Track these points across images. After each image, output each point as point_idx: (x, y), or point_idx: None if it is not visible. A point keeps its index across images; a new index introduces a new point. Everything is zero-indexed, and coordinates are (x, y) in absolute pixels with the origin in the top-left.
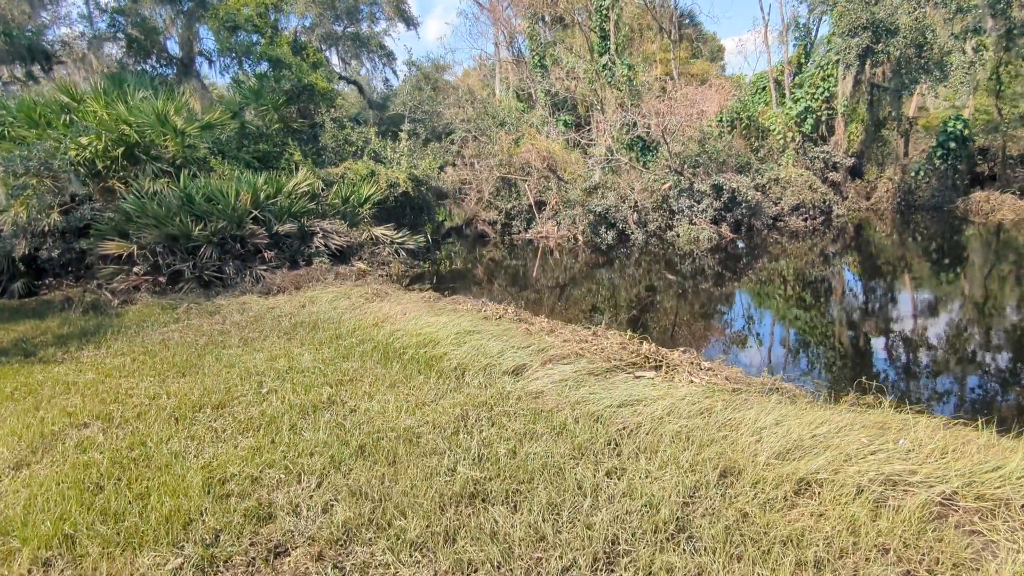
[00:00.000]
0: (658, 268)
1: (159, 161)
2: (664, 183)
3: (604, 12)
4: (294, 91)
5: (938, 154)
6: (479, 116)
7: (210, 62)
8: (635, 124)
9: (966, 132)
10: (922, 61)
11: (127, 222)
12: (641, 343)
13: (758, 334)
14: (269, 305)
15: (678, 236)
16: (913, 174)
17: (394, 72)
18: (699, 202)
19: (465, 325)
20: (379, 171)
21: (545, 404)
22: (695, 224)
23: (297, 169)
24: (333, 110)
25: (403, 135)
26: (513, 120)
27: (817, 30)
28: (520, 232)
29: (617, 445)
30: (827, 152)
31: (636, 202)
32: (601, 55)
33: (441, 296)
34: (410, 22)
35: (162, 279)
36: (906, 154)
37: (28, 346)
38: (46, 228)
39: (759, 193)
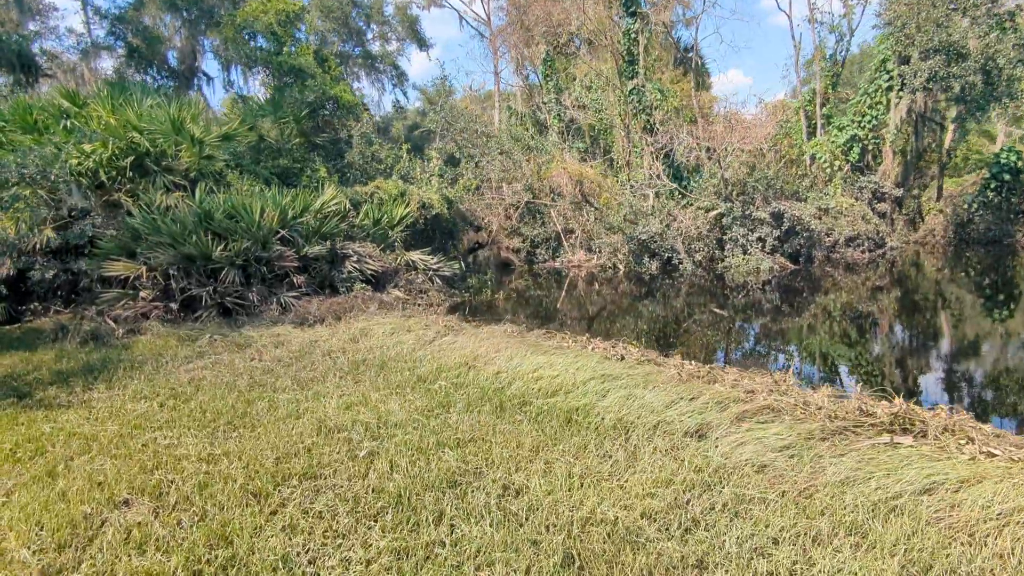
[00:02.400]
0: (729, 299)
1: (171, 173)
2: (711, 210)
3: (632, 36)
4: (317, 103)
5: (992, 186)
6: (501, 139)
7: (208, 78)
8: (670, 150)
9: (1020, 164)
10: (990, 88)
11: (134, 240)
12: (857, 398)
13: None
14: (310, 338)
15: (728, 267)
16: (966, 207)
17: (404, 94)
18: (752, 231)
19: (590, 367)
20: (411, 191)
21: (788, 484)
22: (750, 254)
23: (321, 187)
24: (358, 124)
25: (434, 153)
26: (538, 144)
27: (845, 56)
28: (545, 261)
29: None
30: (875, 182)
31: (684, 230)
32: (629, 79)
33: (523, 331)
34: (423, 44)
35: (173, 305)
36: (940, 187)
37: (21, 385)
38: (37, 245)
39: (820, 222)
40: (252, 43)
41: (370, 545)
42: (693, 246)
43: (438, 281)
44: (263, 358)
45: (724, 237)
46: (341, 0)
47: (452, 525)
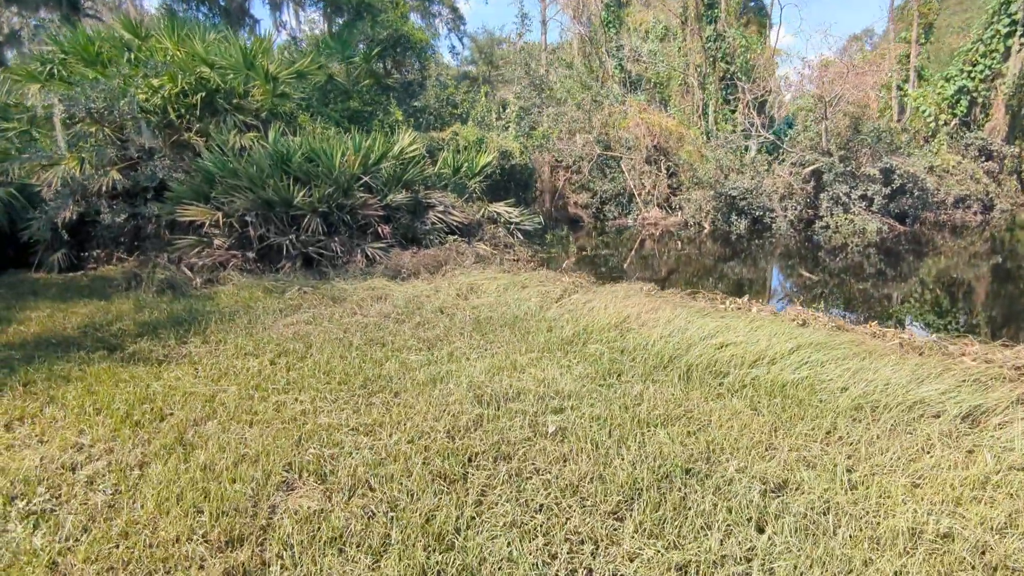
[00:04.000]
0: (836, 260)
1: (243, 112)
2: (808, 165)
3: None
4: (388, 41)
5: None
6: (571, 89)
7: (254, 20)
8: (764, 100)
9: None
10: None
11: (208, 184)
12: None
13: None
14: (410, 292)
15: (827, 227)
16: None
17: (460, 40)
18: (855, 188)
19: (784, 333)
20: (489, 138)
21: None
22: (853, 213)
23: (393, 131)
24: (434, 66)
25: (512, 99)
26: (608, 94)
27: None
28: (616, 218)
29: None
30: (983, 139)
31: (778, 187)
32: (709, 23)
33: (656, 289)
34: None
35: (250, 254)
36: None
37: (107, 336)
38: (103, 188)
39: (935, 179)
40: None
41: (637, 555)
42: (785, 203)
43: (519, 235)
44: (368, 313)
45: (821, 195)
46: None
47: (728, 530)
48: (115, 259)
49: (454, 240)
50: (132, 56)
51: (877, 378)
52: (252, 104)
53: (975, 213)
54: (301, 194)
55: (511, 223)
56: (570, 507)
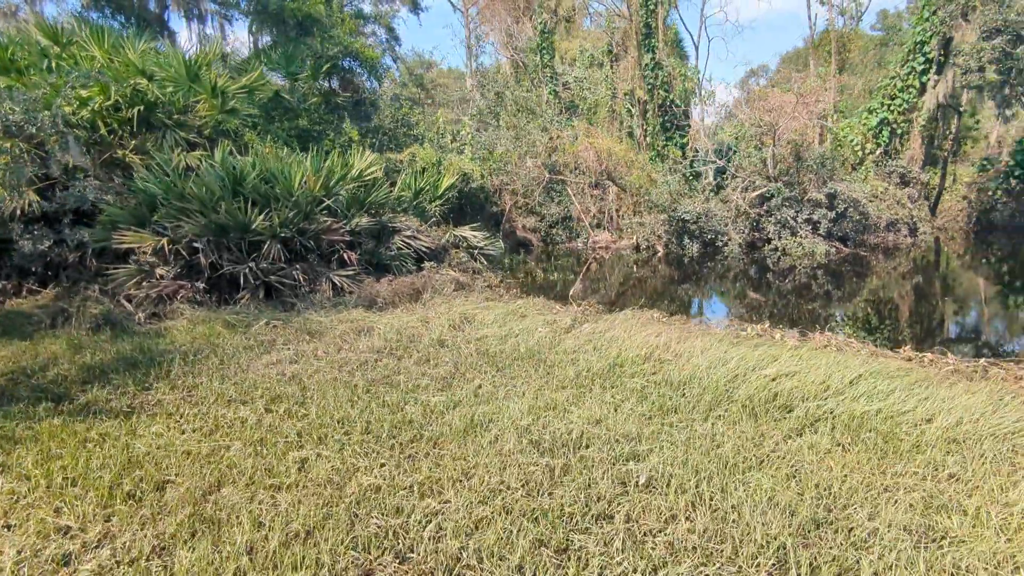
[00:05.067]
0: (804, 279)
1: (185, 129)
2: (755, 190)
3: (651, 7)
4: (337, 58)
5: (1015, 174)
6: (516, 113)
7: (169, 32)
8: (713, 128)
9: None
10: None
11: (148, 207)
12: None
13: None
14: (396, 324)
15: (776, 250)
16: (991, 193)
17: (395, 60)
18: (800, 212)
19: (833, 363)
20: (450, 160)
21: None
22: (799, 236)
23: (345, 152)
24: (386, 84)
25: (467, 120)
26: (553, 119)
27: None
28: (565, 241)
29: None
30: (903, 167)
31: (736, 210)
32: (647, 52)
33: (666, 316)
34: (416, 6)
35: (200, 284)
36: (944, 174)
37: (45, 384)
38: (18, 211)
39: (874, 205)
40: None
41: None
42: (737, 227)
43: (482, 260)
44: (357, 349)
45: (768, 219)
46: None
47: None
48: (25, 291)
49: (431, 266)
50: (52, 64)
51: (955, 407)
52: (196, 120)
53: (905, 236)
54: (260, 218)
55: (475, 248)
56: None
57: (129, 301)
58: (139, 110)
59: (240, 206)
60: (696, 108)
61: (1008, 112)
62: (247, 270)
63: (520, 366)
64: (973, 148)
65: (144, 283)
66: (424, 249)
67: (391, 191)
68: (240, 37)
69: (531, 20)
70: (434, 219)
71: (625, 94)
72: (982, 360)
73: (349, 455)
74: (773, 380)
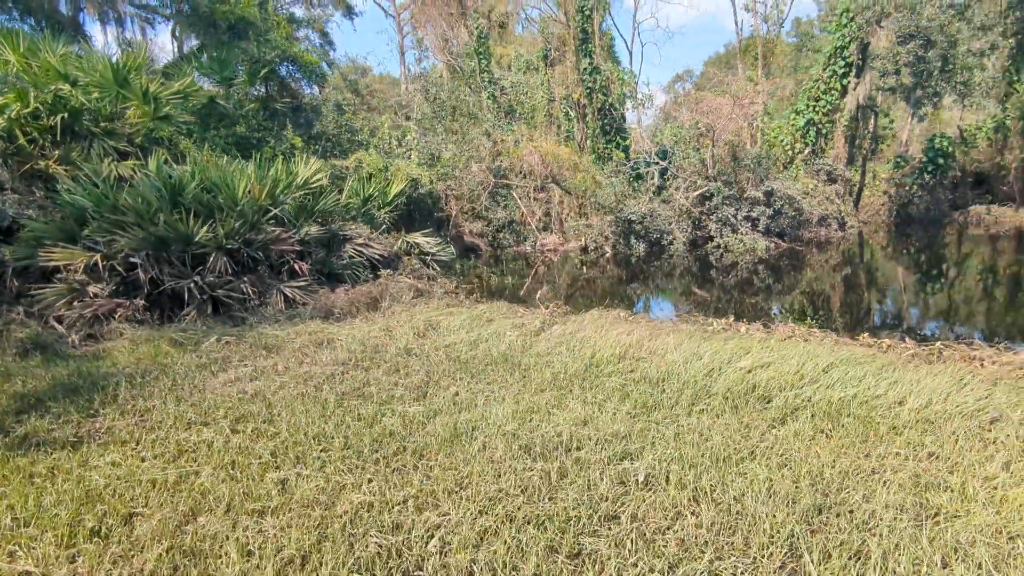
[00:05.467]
0: (748, 274)
1: (115, 137)
2: (696, 190)
3: (587, 13)
4: (275, 63)
5: (928, 169)
6: (455, 116)
7: (83, 36)
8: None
9: (950, 149)
10: (946, 75)
11: (77, 221)
12: None
13: None
14: (358, 335)
15: (718, 247)
16: (908, 188)
17: (329, 65)
18: (739, 210)
19: (803, 353)
20: (397, 166)
21: None
22: (740, 233)
23: (287, 159)
24: (327, 90)
25: (411, 125)
26: (496, 123)
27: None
28: (513, 245)
29: None
30: (829, 165)
31: (679, 209)
32: (584, 57)
33: (631, 315)
34: (350, 10)
35: (140, 302)
36: (863, 171)
37: None
38: None
39: (807, 201)
40: None
41: None
42: (680, 226)
43: (435, 266)
44: (319, 362)
45: (710, 218)
46: None
47: (917, 570)
48: None
49: (387, 274)
50: None
51: (923, 388)
52: (126, 128)
53: (835, 230)
54: (203, 229)
55: (427, 254)
56: (729, 570)
57: (60, 323)
58: (62, 117)
59: (181, 217)
60: (633, 111)
61: (921, 112)
62: (192, 284)
63: (495, 371)
64: (888, 147)
65: (76, 303)
66: (377, 257)
67: (339, 198)
68: (159, 42)
69: (466, 25)
70: (384, 226)
71: (563, 98)
72: (937, 343)
73: (332, 472)
74: (749, 372)
